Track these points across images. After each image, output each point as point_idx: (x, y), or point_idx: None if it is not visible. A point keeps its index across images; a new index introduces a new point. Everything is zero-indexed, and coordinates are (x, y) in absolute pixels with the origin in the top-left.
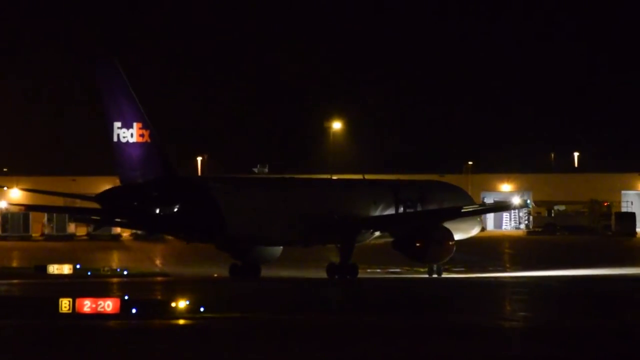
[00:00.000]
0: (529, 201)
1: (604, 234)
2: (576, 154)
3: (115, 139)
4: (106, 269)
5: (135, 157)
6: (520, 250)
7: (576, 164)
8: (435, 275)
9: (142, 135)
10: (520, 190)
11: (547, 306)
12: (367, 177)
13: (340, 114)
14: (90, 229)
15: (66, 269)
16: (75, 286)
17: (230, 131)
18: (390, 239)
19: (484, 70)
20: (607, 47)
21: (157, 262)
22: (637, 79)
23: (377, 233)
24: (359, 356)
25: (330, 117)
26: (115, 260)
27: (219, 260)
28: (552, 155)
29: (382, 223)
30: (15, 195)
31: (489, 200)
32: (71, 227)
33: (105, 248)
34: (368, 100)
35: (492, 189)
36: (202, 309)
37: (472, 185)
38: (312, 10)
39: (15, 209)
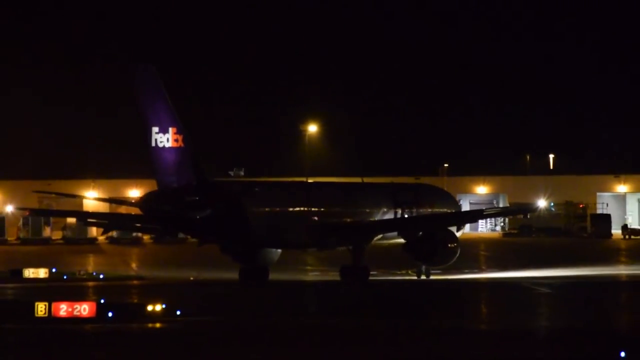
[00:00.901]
0: (552, 204)
1: (580, 235)
2: (551, 156)
3: (153, 144)
4: (82, 272)
5: (171, 161)
6: (496, 252)
7: (551, 166)
8: (423, 277)
9: (176, 140)
10: (496, 193)
11: (526, 308)
12: (351, 179)
13: (315, 117)
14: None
15: (42, 272)
16: (51, 290)
17: (205, 134)
18: (391, 242)
19: (460, 73)
20: (582, 49)
21: (133, 265)
22: (613, 81)
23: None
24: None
25: (305, 120)
26: (91, 264)
27: (194, 263)
28: (528, 157)
29: (395, 226)
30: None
31: (465, 202)
32: (47, 231)
33: (81, 252)
34: (343, 103)
35: (468, 191)
36: (178, 313)
37: (447, 187)
38: (288, 12)
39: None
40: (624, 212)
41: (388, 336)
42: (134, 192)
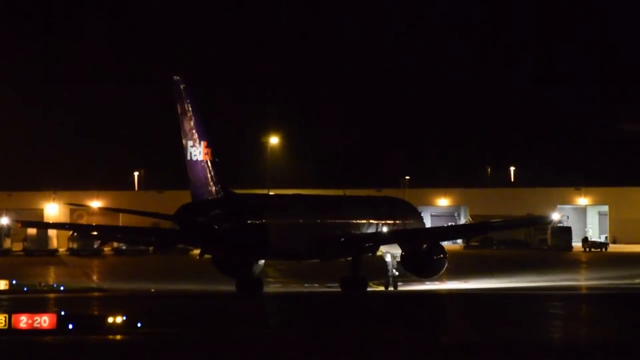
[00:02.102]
0: (564, 217)
1: (540, 248)
2: (512, 169)
3: (188, 157)
4: (42, 284)
5: (203, 175)
6: (457, 264)
7: (512, 179)
8: (391, 288)
9: (207, 154)
10: (457, 205)
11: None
12: (302, 191)
13: (276, 129)
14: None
15: (2, 284)
16: (11, 302)
17: (166, 145)
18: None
19: (421, 85)
20: (543, 63)
21: (94, 277)
22: (573, 95)
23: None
24: None
25: (266, 132)
26: (51, 276)
27: (155, 275)
28: (489, 169)
29: (395, 238)
30: None
31: (426, 214)
32: (7, 242)
33: (42, 263)
34: (303, 115)
35: (429, 204)
36: (139, 325)
37: (409, 199)
38: (250, 23)
39: None
40: (585, 225)
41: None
42: (95, 203)
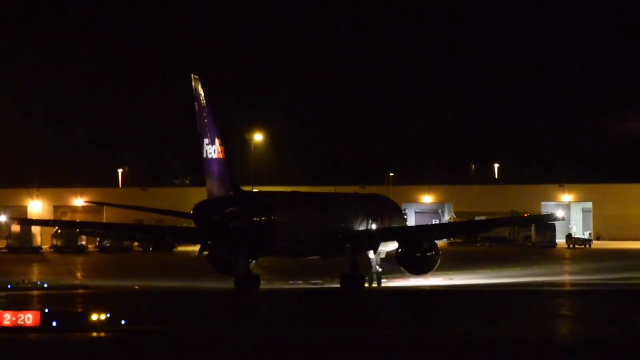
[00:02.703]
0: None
1: (525, 245)
2: (496, 166)
3: (204, 155)
4: (26, 281)
5: (217, 172)
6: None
7: (497, 176)
8: (375, 285)
9: (221, 152)
10: (441, 202)
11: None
12: (287, 189)
13: (259, 126)
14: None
15: None
16: None
17: (151, 143)
18: None
19: (405, 81)
20: (526, 58)
21: (78, 274)
22: (557, 91)
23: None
24: None
25: (251, 129)
26: (35, 273)
27: (139, 272)
28: (473, 166)
29: (394, 236)
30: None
31: (411, 211)
32: None
33: (26, 261)
34: (287, 112)
35: (414, 201)
36: (123, 322)
37: (393, 196)
38: (235, 20)
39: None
40: (569, 222)
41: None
42: (78, 201)
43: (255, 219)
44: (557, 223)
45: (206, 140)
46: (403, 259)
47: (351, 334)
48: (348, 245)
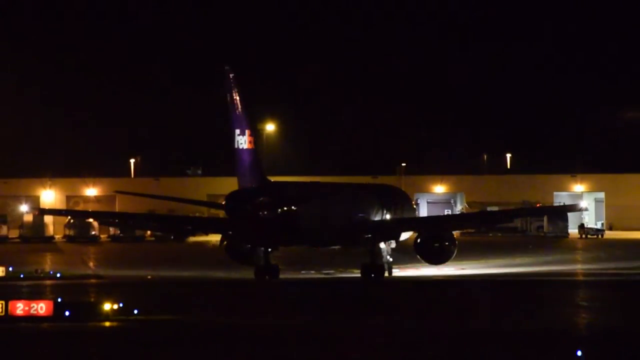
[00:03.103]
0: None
1: (537, 235)
2: (508, 156)
3: (235, 146)
4: (39, 271)
5: (247, 162)
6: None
7: (509, 166)
8: (386, 274)
9: (250, 142)
10: (453, 192)
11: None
12: (301, 179)
13: (271, 116)
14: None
15: None
16: (8, 289)
17: (162, 133)
18: None
19: (417, 71)
20: (540, 50)
21: (90, 264)
22: (570, 80)
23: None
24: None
25: (262, 119)
26: (48, 263)
27: (152, 262)
28: (485, 156)
29: (414, 226)
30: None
31: (422, 201)
32: (3, 229)
33: (39, 250)
34: (300, 102)
35: (425, 191)
36: (135, 312)
37: (405, 186)
38: (244, 9)
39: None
40: (581, 212)
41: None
42: (91, 191)
43: (284, 209)
44: (570, 214)
45: (237, 131)
46: (422, 249)
47: (375, 323)
48: (369, 235)
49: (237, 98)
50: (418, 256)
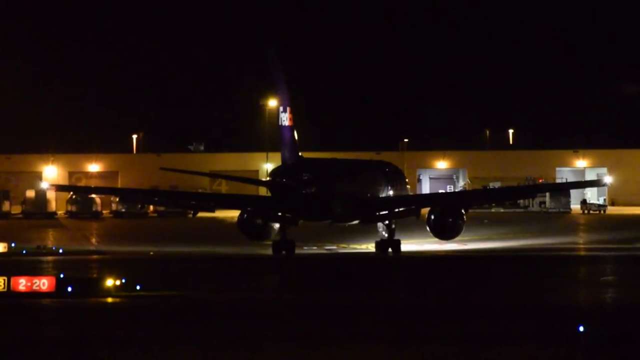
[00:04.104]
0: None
1: (540, 210)
2: (511, 131)
3: (279, 122)
4: (42, 247)
5: (288, 139)
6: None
7: (511, 141)
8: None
9: (290, 119)
10: (456, 168)
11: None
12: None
13: (274, 92)
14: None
15: (1, 247)
16: (10, 264)
17: (165, 109)
18: None
19: (419, 49)
20: (542, 25)
21: (93, 240)
22: (572, 56)
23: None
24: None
25: (264, 95)
26: (50, 239)
27: (154, 238)
28: (487, 132)
29: (429, 201)
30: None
31: (425, 177)
32: (6, 205)
33: (41, 226)
34: (302, 78)
35: (428, 166)
36: (138, 287)
37: (408, 162)
38: None
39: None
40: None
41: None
42: (94, 167)
43: (324, 186)
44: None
45: (281, 108)
46: (435, 224)
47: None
48: (386, 212)
49: (280, 76)
50: (430, 231)
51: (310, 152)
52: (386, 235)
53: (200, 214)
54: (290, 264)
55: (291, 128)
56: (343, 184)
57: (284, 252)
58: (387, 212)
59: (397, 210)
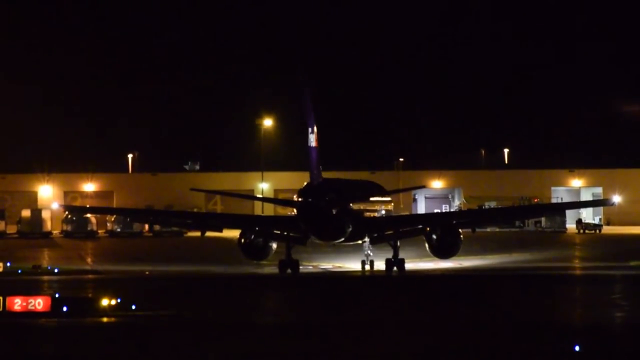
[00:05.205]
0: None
1: (535, 230)
2: (506, 151)
3: (308, 143)
4: (37, 266)
5: (314, 159)
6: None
7: (506, 161)
8: (367, 268)
9: (316, 140)
10: (451, 187)
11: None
12: (298, 174)
13: (270, 111)
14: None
15: None
16: (5, 284)
17: (160, 128)
18: None
19: (416, 68)
20: (536, 45)
21: (88, 259)
22: (565, 77)
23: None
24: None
25: (260, 114)
26: (46, 258)
27: (149, 258)
28: (482, 151)
29: (425, 221)
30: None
31: (420, 197)
32: (1, 225)
33: (36, 246)
34: (298, 96)
35: (424, 186)
36: (133, 307)
37: (403, 181)
38: (244, 8)
39: None
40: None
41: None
42: (89, 186)
43: (345, 206)
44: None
45: (309, 129)
46: (436, 243)
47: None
48: (392, 231)
49: (309, 97)
50: (429, 249)
51: (306, 171)
52: (371, 254)
53: (197, 233)
54: (294, 281)
55: (317, 149)
56: (357, 204)
57: (289, 271)
58: (393, 231)
59: (402, 229)
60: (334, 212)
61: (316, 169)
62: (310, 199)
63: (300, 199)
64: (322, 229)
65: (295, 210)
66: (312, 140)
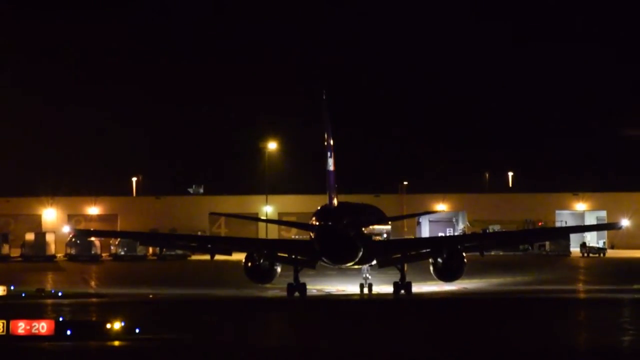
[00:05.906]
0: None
1: (539, 253)
2: (510, 174)
3: (327, 167)
4: (41, 290)
5: (332, 183)
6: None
7: (510, 184)
8: (366, 291)
9: (334, 164)
10: (455, 210)
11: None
12: (302, 197)
13: (274, 134)
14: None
15: (0, 290)
16: (9, 308)
17: (164, 152)
18: None
19: (420, 90)
20: (540, 65)
21: (92, 283)
22: (570, 100)
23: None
24: None
25: (264, 137)
26: (50, 282)
27: (153, 281)
28: (487, 175)
29: (433, 244)
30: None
31: (424, 220)
32: (5, 248)
33: (40, 269)
34: (301, 120)
35: (428, 209)
36: (137, 330)
37: (407, 205)
38: (247, 29)
39: None
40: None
41: None
42: (93, 210)
43: (359, 230)
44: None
45: (328, 153)
46: (440, 266)
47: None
48: (399, 255)
49: (329, 121)
50: (433, 272)
51: (310, 194)
52: (369, 277)
53: (201, 257)
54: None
55: (334, 173)
56: (369, 230)
57: (297, 294)
58: (400, 255)
59: (409, 253)
60: (351, 236)
61: (333, 192)
62: (330, 222)
63: (318, 222)
64: (338, 252)
65: (311, 234)
66: (331, 164)
